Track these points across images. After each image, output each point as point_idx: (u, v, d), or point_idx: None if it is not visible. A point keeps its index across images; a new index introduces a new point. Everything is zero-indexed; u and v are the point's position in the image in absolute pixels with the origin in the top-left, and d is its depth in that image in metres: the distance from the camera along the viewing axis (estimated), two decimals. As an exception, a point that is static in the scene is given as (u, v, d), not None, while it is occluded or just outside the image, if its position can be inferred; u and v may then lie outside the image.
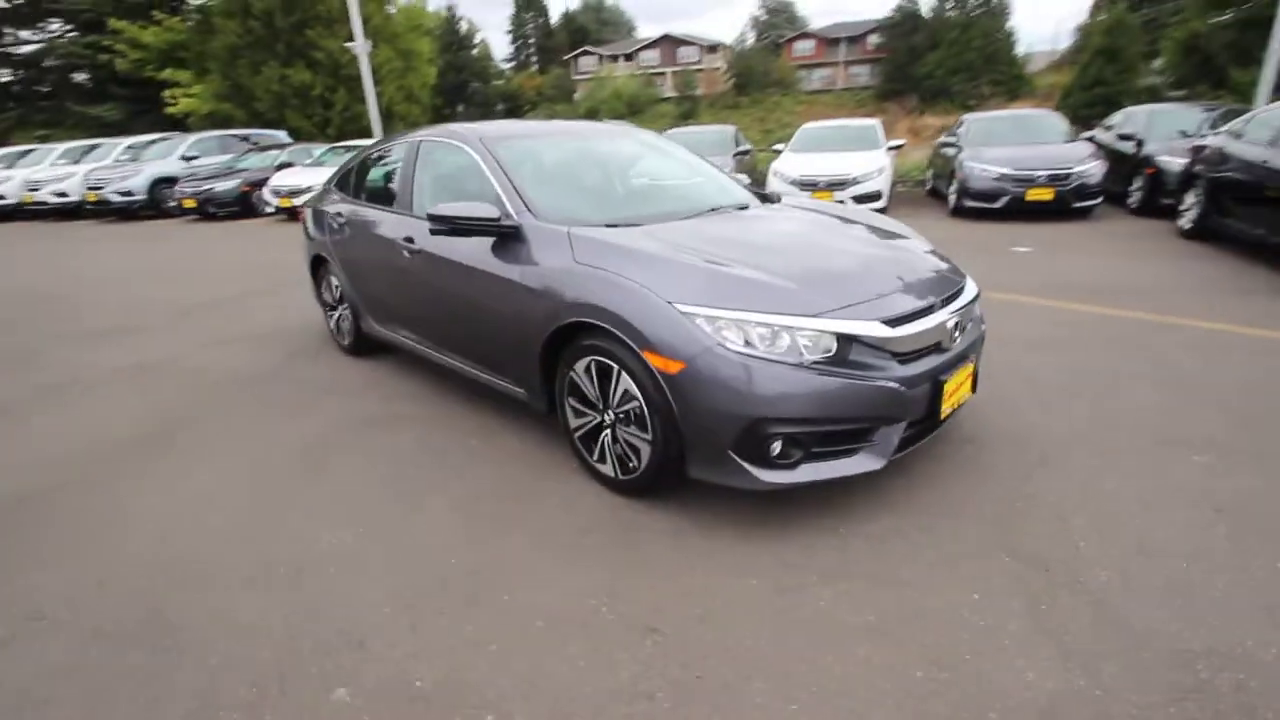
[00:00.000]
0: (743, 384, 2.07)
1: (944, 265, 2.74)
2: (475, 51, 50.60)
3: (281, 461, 3.04)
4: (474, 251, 2.94)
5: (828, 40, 52.18)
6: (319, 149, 13.58)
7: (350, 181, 4.15)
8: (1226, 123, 8.90)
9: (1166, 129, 8.86)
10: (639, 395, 2.29)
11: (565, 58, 58.92)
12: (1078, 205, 8.23)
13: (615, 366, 2.35)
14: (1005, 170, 8.39)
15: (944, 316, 2.37)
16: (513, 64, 62.67)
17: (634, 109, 47.78)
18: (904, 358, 2.24)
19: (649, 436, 2.32)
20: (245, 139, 15.61)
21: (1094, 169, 8.28)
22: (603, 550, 2.24)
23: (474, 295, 2.96)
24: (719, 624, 1.88)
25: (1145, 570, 2.01)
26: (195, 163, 14.41)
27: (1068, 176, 8.17)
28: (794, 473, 2.16)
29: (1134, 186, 8.81)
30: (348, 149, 12.34)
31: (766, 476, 2.14)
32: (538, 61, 60.97)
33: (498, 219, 2.74)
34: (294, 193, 11.59)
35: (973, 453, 2.74)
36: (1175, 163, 7.94)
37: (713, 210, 3.12)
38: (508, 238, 2.79)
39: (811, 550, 2.16)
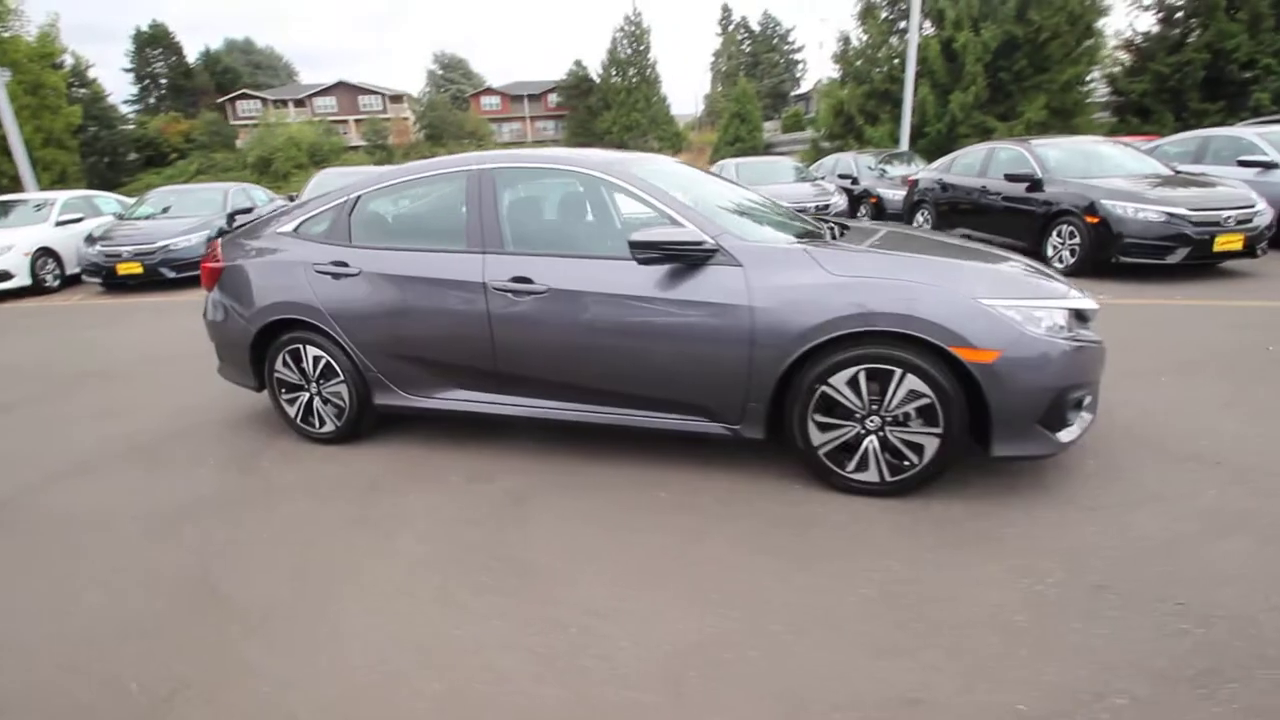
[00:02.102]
0: (1049, 362, 2.36)
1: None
2: (87, 89, 40.71)
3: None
4: (641, 282, 2.69)
5: (511, 96, 54.88)
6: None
7: (341, 224, 3.28)
8: (887, 163, 12.54)
9: (863, 168, 12.16)
10: (929, 392, 2.41)
11: (220, 100, 51.08)
12: None
13: (896, 370, 2.43)
14: None
15: None
16: (138, 107, 52.03)
17: (316, 157, 43.76)
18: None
19: (939, 430, 2.45)
20: None
21: (839, 200, 10.46)
22: (956, 549, 2.30)
23: (655, 329, 2.69)
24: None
25: None
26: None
27: (827, 207, 10.07)
28: (1070, 431, 2.51)
29: (861, 212, 11.48)
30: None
31: (1064, 437, 2.46)
32: (170, 104, 51.63)
33: (701, 243, 2.57)
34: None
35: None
36: (894, 193, 10.67)
37: (808, 231, 3.31)
38: (697, 262, 2.63)
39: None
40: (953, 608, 1.99)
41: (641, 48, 49.38)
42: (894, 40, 16.78)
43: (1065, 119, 16.00)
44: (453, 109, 50.89)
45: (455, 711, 1.72)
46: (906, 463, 2.54)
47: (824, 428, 2.59)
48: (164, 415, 4.09)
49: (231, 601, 2.23)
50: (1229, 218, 5.92)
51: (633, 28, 48.78)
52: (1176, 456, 2.82)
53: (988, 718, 1.60)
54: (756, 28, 66.60)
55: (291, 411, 3.49)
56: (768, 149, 42.93)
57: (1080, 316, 2.60)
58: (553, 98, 52.76)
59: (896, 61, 16.61)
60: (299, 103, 51.61)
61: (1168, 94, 18.20)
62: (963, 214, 8.45)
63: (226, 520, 2.78)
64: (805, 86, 65.60)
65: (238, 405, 4.13)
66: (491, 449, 3.26)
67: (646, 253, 2.56)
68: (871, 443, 2.55)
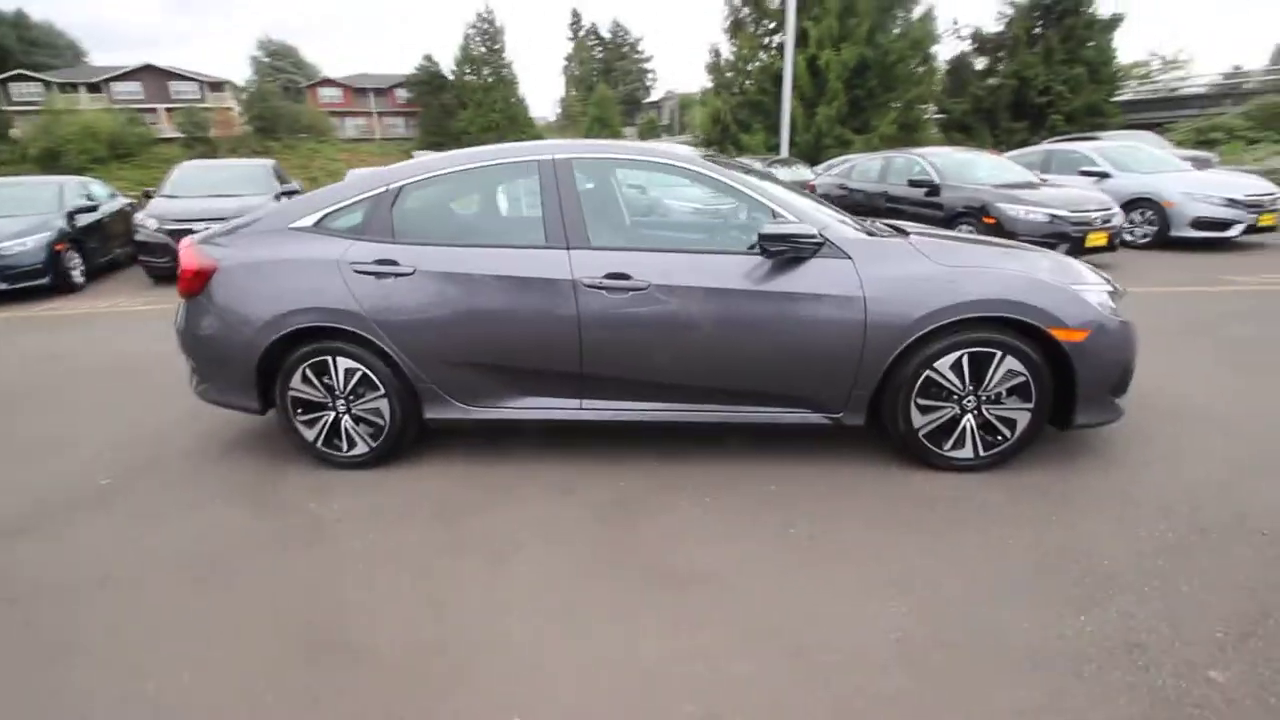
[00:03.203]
0: (1119, 338, 2.68)
1: None
2: None
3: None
4: (743, 275, 2.69)
5: (355, 89, 51.08)
6: None
7: (380, 218, 2.90)
8: (773, 167, 13.38)
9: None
10: (1025, 371, 2.64)
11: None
12: None
13: (996, 352, 2.63)
14: None
15: None
16: None
17: (118, 149, 37.93)
18: None
19: (1030, 405, 2.69)
20: None
21: None
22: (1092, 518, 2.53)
23: (763, 322, 2.68)
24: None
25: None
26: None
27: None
28: (1125, 398, 2.86)
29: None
30: None
31: (1122, 404, 2.79)
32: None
33: (814, 235, 2.62)
34: None
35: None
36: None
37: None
38: (807, 255, 2.67)
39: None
40: (1105, 561, 2.19)
41: (496, 46, 48.22)
42: (763, 55, 17.94)
43: (910, 133, 18.03)
44: (286, 100, 46.34)
45: (733, 728, 1.62)
46: (999, 438, 2.75)
47: (925, 410, 2.74)
48: (115, 445, 3.38)
49: (380, 653, 1.91)
50: (1097, 217, 7.03)
51: (486, 25, 47.51)
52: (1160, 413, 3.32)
53: (1204, 644, 1.80)
54: (607, 34, 67.81)
55: (311, 434, 3.03)
56: None
57: (1113, 296, 2.98)
58: (401, 93, 49.89)
59: (765, 75, 17.75)
60: (93, 87, 44.25)
61: (983, 114, 21.18)
62: (870, 215, 9.23)
63: (286, 564, 2.37)
64: (656, 95, 68.06)
65: (200, 429, 3.51)
66: (551, 458, 3.06)
67: (777, 245, 2.55)
68: (969, 421, 2.74)
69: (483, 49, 48.27)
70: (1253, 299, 5.82)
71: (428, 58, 48.81)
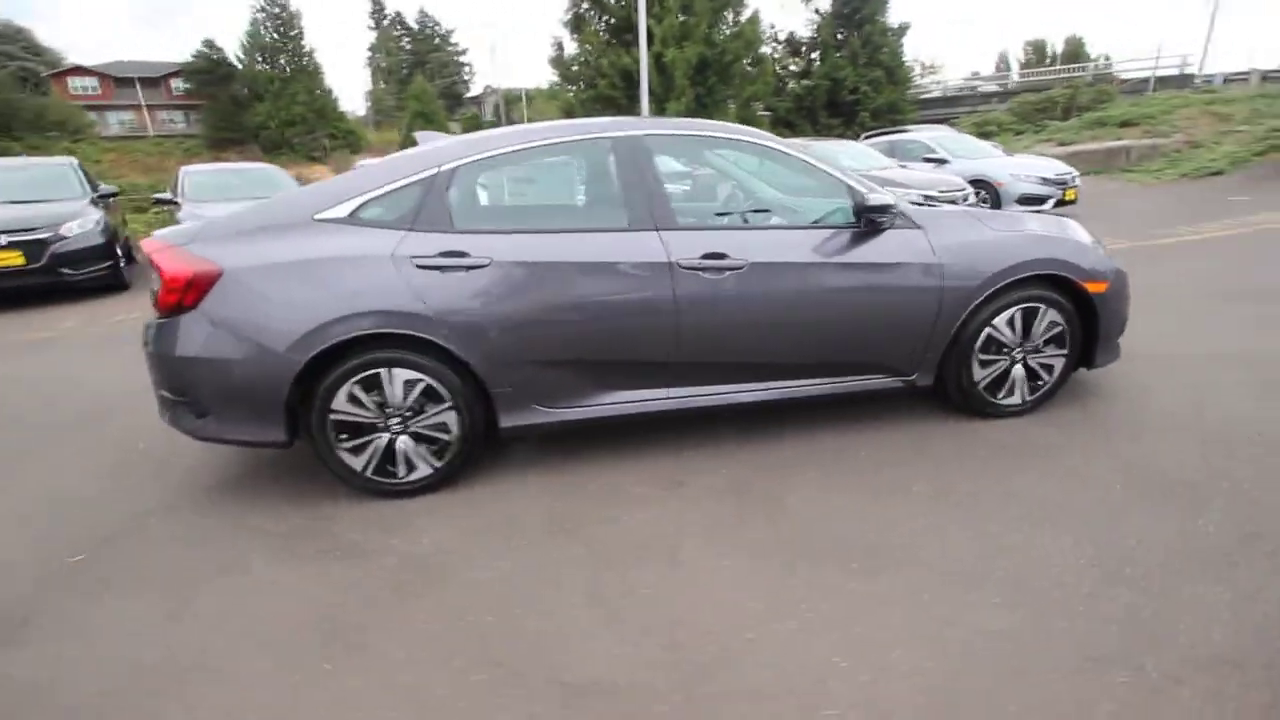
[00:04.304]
0: (1124, 286, 3.12)
1: None
2: None
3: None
4: (829, 249, 2.77)
5: (116, 79, 43.26)
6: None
7: (433, 204, 2.51)
8: None
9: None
10: (1062, 321, 2.99)
11: None
12: None
13: (1041, 307, 2.95)
14: None
15: None
16: None
17: None
18: None
19: (1065, 352, 3.05)
20: None
21: None
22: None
23: (853, 294, 2.76)
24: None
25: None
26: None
27: None
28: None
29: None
30: None
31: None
32: None
33: (895, 206, 2.74)
34: None
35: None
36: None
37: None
38: (885, 227, 2.79)
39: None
40: (1181, 472, 2.55)
41: (293, 33, 43.56)
42: (609, 52, 18.13)
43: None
44: (24, 91, 38.12)
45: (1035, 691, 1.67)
46: (1040, 383, 3.09)
47: (984, 364, 2.99)
48: (56, 504, 2.62)
49: (634, 684, 1.69)
50: (959, 196, 8.08)
51: (278, 9, 42.68)
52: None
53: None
54: (414, 25, 64.36)
55: (359, 463, 2.58)
56: None
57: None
58: (178, 83, 43.22)
59: (614, 71, 17.99)
60: None
61: (804, 110, 23.28)
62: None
63: (422, 610, 2.02)
64: (476, 90, 65.97)
65: (179, 473, 2.85)
66: (627, 455, 2.91)
67: (880, 216, 2.63)
68: (1019, 370, 3.04)
69: (275, 35, 43.37)
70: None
71: (208, 44, 42.87)
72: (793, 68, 24.06)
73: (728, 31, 19.20)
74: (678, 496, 2.60)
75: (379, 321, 2.43)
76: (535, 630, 1.90)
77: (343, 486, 2.67)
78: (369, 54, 62.88)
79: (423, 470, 2.64)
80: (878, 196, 2.68)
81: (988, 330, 2.93)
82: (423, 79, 45.23)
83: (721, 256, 2.63)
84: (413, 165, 2.59)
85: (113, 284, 7.45)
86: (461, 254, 2.49)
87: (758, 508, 2.49)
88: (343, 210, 2.51)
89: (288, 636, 1.91)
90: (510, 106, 61.00)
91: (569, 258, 2.56)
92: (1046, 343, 3.02)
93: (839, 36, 22.76)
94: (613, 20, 18.58)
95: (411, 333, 2.46)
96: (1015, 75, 35.80)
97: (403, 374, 2.51)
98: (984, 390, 3.04)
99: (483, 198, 2.70)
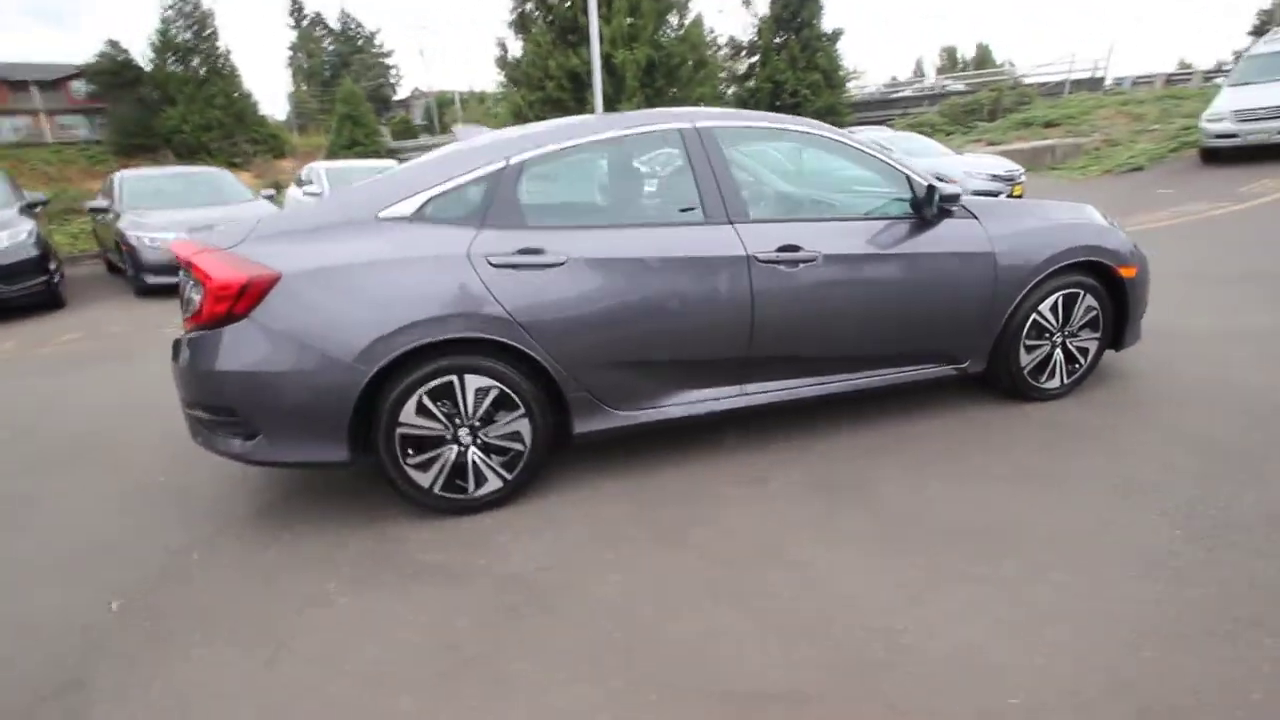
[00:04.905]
0: (1147, 270, 3.27)
1: None
2: None
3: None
4: (891, 239, 2.80)
5: (10, 82, 39.71)
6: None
7: (503, 199, 2.37)
8: None
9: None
10: (1098, 305, 3.11)
11: None
12: None
13: (1080, 292, 3.06)
14: (182, 236, 7.21)
15: None
16: None
17: None
18: None
19: (1098, 334, 3.17)
20: None
21: None
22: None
23: (919, 284, 2.80)
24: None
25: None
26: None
27: None
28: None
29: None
30: None
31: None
32: None
33: (961, 195, 2.79)
34: None
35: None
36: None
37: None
38: (946, 215, 2.83)
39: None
40: (1223, 441, 2.69)
41: (207, 33, 41.10)
42: (557, 54, 17.91)
43: (696, 129, 19.43)
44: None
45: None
46: (1076, 365, 3.20)
47: (1029, 349, 3.08)
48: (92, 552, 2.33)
49: (824, 693, 1.63)
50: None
51: (190, 7, 40.20)
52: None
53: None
54: (336, 25, 61.99)
55: (426, 479, 2.41)
56: (390, 153, 41.75)
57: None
58: (79, 86, 40.05)
59: (562, 73, 17.78)
60: None
61: (747, 113, 23.64)
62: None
63: (549, 628, 1.90)
64: (403, 93, 64.17)
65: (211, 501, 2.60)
66: (696, 455, 2.85)
67: (952, 206, 2.65)
68: (1059, 354, 3.15)
69: (187, 35, 40.83)
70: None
71: (113, 44, 39.87)
72: (735, 71, 24.44)
73: (673, 34, 19.30)
74: (765, 494, 2.55)
75: (457, 326, 2.28)
76: (679, 640, 1.81)
77: (396, 505, 2.51)
78: (289, 54, 60.06)
79: (493, 484, 2.49)
80: (948, 187, 2.72)
81: (1034, 316, 3.02)
82: (350, 81, 43.41)
83: (795, 249, 2.60)
84: (476, 159, 2.44)
85: (47, 301, 6.80)
86: (537, 251, 2.37)
87: (850, 499, 2.47)
88: (407, 207, 2.35)
89: (415, 671, 1.75)
90: (443, 110, 59.69)
91: (647, 253, 2.47)
92: (1082, 327, 3.14)
93: (778, 40, 23.28)
94: (554, 20, 18.37)
95: (490, 336, 2.32)
96: (930, 80, 37.65)
97: (475, 381, 2.36)
98: (1029, 375, 3.13)
99: (552, 192, 2.58)
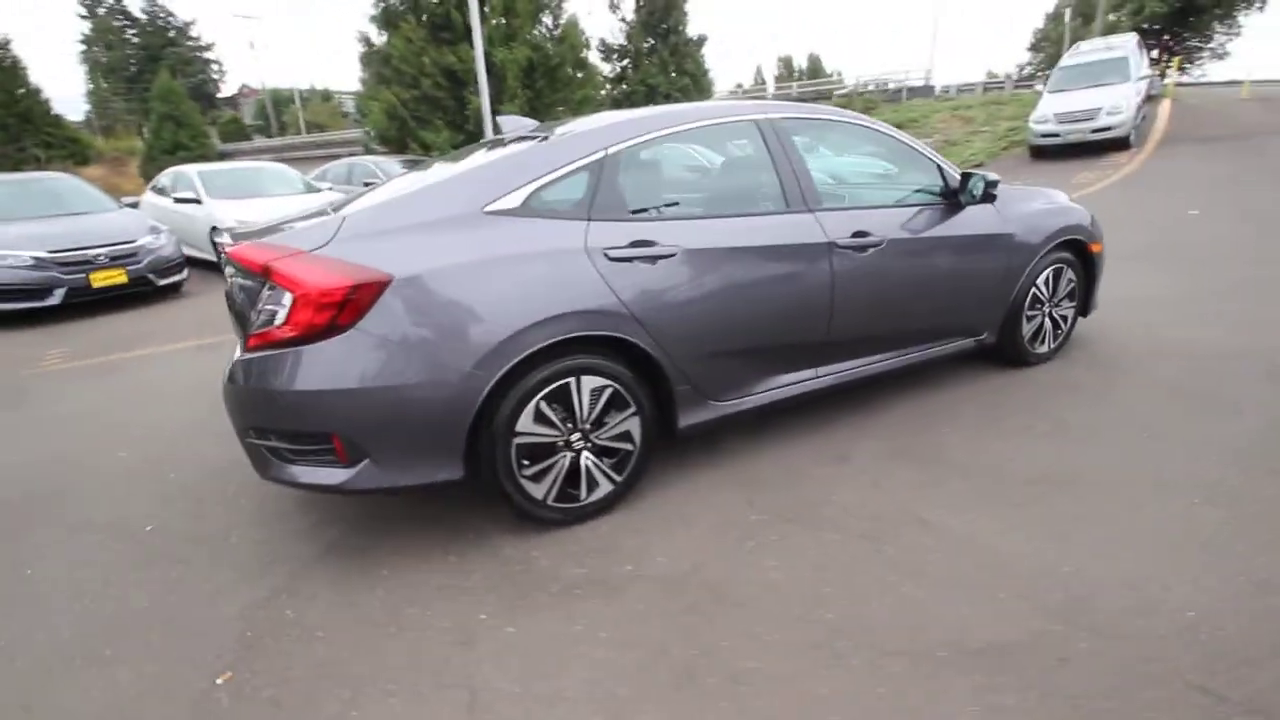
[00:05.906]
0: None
1: None
2: None
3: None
4: (929, 223, 3.03)
5: None
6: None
7: (607, 190, 2.27)
8: (411, 168, 13.38)
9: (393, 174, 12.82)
10: (1075, 277, 3.56)
11: None
12: (163, 283, 7.07)
13: (1064, 266, 3.49)
14: (39, 254, 6.25)
15: None
16: None
17: None
18: None
19: (1074, 304, 3.63)
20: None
21: (165, 240, 7.23)
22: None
23: (958, 265, 3.05)
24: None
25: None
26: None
27: (135, 254, 6.80)
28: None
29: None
30: None
31: (1095, 296, 3.95)
32: None
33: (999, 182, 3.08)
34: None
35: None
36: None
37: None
38: (982, 200, 3.10)
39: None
40: (1212, 385, 3.19)
41: (-26, 19, 34.60)
42: (431, 51, 17.04)
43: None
44: None
45: None
46: (1059, 331, 3.65)
47: (1029, 319, 3.47)
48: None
49: (1021, 647, 1.74)
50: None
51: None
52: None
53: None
54: (140, 14, 54.78)
55: (541, 490, 2.27)
56: (221, 156, 37.99)
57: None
58: None
59: (438, 70, 16.98)
60: None
61: (623, 115, 24.00)
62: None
63: (751, 631, 1.87)
64: (230, 89, 58.20)
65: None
66: (761, 441, 2.92)
67: (993, 190, 2.90)
68: (1047, 323, 3.56)
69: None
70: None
71: None
72: (608, 73, 24.72)
73: (548, 34, 19.13)
74: (853, 469, 2.66)
75: (581, 324, 2.16)
76: (877, 611, 1.86)
77: (482, 524, 2.38)
78: (83, 46, 52.30)
79: (604, 488, 2.40)
80: (988, 175, 2.98)
81: (1033, 290, 3.40)
82: (168, 76, 38.39)
83: (866, 235, 2.74)
84: (575, 149, 2.32)
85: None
86: (650, 243, 2.31)
87: (932, 464, 2.64)
88: (514, 200, 2.19)
89: (645, 685, 1.65)
90: (281, 109, 54.68)
91: (747, 242, 2.49)
92: (1064, 298, 3.58)
93: (648, 45, 23.88)
94: (426, 17, 17.51)
95: (610, 333, 2.22)
96: (771, 88, 40.33)
97: (591, 381, 2.25)
98: (1027, 342, 3.51)
99: (649, 182, 2.50)
